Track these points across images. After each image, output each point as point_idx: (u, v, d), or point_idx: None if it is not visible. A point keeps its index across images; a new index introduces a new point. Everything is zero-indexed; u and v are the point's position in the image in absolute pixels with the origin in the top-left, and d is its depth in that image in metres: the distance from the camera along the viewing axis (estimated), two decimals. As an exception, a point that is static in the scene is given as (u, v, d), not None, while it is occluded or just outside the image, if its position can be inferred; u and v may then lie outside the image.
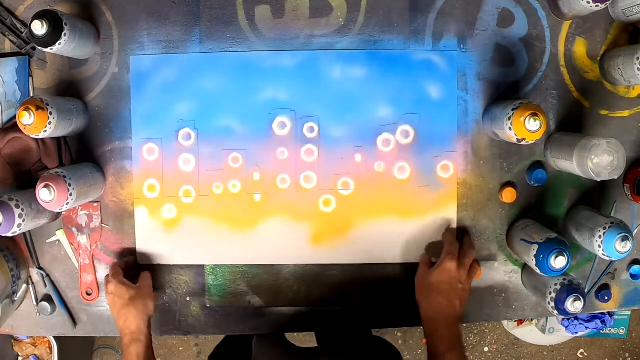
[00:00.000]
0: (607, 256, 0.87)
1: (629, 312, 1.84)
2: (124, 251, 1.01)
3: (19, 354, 1.68)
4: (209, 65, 0.98)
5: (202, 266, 1.01)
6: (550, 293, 0.90)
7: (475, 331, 1.97)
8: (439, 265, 0.92)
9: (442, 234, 0.99)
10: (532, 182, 0.99)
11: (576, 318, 1.69)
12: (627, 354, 2.02)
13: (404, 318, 1.03)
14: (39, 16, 0.84)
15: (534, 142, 0.86)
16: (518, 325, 1.86)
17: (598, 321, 1.69)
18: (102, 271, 1.01)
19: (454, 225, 1.00)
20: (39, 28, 0.83)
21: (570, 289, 0.89)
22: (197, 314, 1.02)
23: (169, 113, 0.99)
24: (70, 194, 0.87)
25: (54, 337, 1.59)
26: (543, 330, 1.78)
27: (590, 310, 1.03)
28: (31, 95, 0.99)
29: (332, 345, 1.13)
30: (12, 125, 0.97)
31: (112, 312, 0.94)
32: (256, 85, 0.98)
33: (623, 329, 1.85)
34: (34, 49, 0.98)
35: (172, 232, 1.00)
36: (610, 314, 1.72)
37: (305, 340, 1.79)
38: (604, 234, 0.87)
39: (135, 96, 0.98)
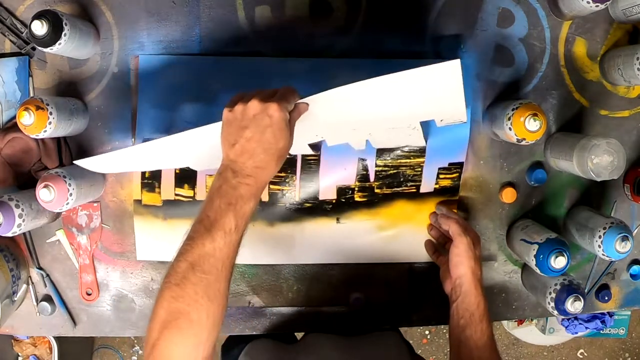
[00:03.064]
0: (607, 256, 0.87)
1: (629, 312, 1.84)
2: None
3: (19, 354, 1.68)
4: (214, 68, 0.98)
5: (202, 266, 1.01)
6: (550, 293, 0.90)
7: (475, 331, 1.97)
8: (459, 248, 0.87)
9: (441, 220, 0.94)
10: (532, 182, 0.99)
11: (576, 318, 1.69)
12: (627, 354, 2.02)
13: (404, 318, 1.03)
14: (39, 16, 0.84)
15: (534, 142, 0.86)
16: (518, 325, 1.86)
17: (598, 321, 1.69)
18: (102, 271, 1.01)
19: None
20: (39, 28, 0.83)
21: (570, 289, 0.89)
22: (197, 314, 1.02)
23: (173, 114, 0.98)
24: (70, 194, 0.87)
25: (54, 337, 1.59)
26: (543, 330, 1.78)
27: (590, 310, 1.04)
28: (31, 95, 0.98)
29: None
30: (12, 125, 0.97)
31: (247, 134, 0.70)
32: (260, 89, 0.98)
33: (623, 329, 1.85)
34: (34, 49, 0.98)
35: (171, 232, 1.00)
36: (610, 314, 1.72)
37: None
38: (604, 234, 0.87)
39: (142, 95, 0.97)
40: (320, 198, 0.98)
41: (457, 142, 0.96)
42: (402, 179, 0.98)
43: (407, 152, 0.96)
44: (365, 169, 0.97)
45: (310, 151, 0.93)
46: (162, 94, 0.98)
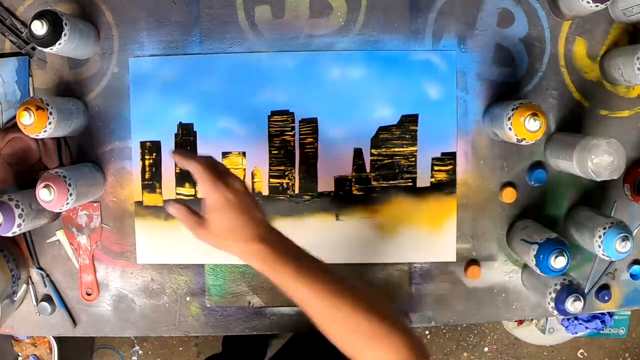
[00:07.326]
0: (607, 256, 0.87)
1: (629, 312, 1.84)
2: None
3: (19, 354, 1.68)
4: (207, 67, 0.98)
5: (202, 266, 1.01)
6: (550, 293, 0.90)
7: (475, 331, 1.97)
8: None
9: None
10: (532, 182, 0.99)
11: (576, 318, 1.69)
12: (627, 354, 2.02)
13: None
14: (39, 16, 0.84)
15: (534, 142, 0.86)
16: (518, 325, 1.86)
17: (598, 321, 1.69)
18: (102, 271, 1.01)
19: (454, 228, 1.00)
20: (39, 28, 0.83)
21: (570, 289, 0.89)
22: (197, 314, 1.02)
23: (168, 115, 0.99)
24: (70, 194, 0.87)
25: (54, 337, 1.59)
26: (543, 330, 1.78)
27: (590, 310, 1.03)
28: (31, 95, 0.99)
29: None
30: (12, 125, 0.97)
31: (236, 212, 0.72)
32: (255, 86, 0.98)
33: (623, 329, 1.85)
34: (34, 49, 0.98)
35: (171, 231, 1.00)
36: (610, 314, 1.72)
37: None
38: (604, 234, 0.87)
39: (134, 98, 0.98)
40: (319, 190, 0.99)
41: (446, 129, 0.98)
42: (397, 170, 0.99)
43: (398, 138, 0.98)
44: (361, 158, 0.98)
45: None
46: (155, 95, 0.98)
